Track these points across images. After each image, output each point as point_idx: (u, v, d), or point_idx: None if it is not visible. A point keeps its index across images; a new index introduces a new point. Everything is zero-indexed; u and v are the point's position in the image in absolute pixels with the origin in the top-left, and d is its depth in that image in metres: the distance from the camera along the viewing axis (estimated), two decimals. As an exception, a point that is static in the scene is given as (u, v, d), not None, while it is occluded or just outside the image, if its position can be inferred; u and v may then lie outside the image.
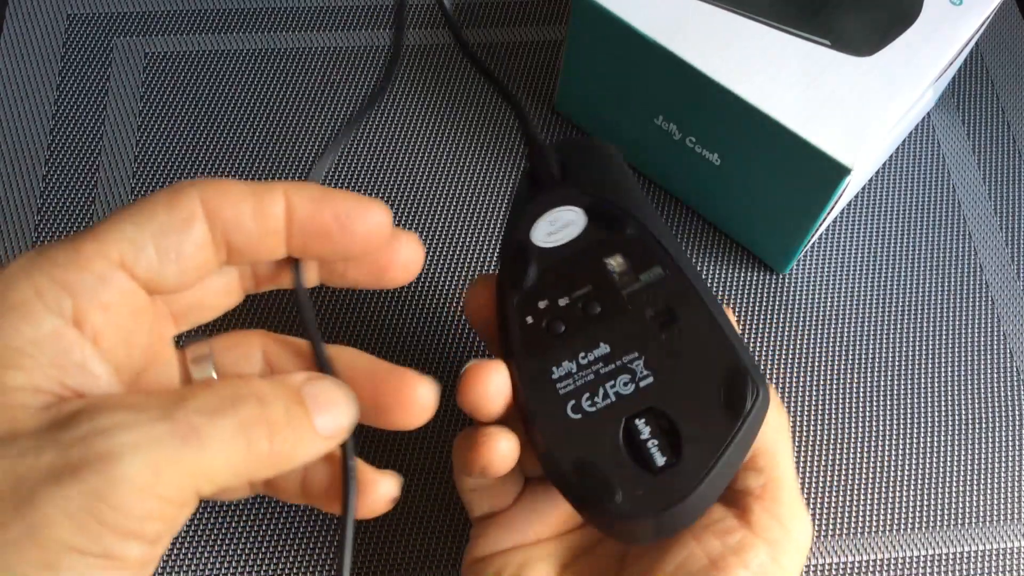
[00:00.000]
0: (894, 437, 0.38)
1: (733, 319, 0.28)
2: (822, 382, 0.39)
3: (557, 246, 0.27)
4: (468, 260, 0.41)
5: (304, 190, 0.23)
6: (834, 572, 0.35)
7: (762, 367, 0.39)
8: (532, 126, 0.28)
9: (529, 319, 0.26)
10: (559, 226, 0.27)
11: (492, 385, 0.25)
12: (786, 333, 0.40)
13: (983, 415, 0.39)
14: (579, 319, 0.26)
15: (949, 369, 0.40)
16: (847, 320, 0.40)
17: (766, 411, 0.25)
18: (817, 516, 0.36)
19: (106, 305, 0.20)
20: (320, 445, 0.21)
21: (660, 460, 0.24)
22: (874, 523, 0.36)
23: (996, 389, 0.39)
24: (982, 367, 0.40)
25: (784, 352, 0.39)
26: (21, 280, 0.19)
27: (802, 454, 0.37)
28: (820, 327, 0.40)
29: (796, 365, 0.39)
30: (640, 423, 0.25)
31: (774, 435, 0.26)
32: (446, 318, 0.39)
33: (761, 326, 0.40)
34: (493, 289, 0.27)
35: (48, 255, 0.20)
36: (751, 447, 0.25)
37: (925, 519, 0.37)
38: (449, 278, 0.40)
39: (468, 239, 0.41)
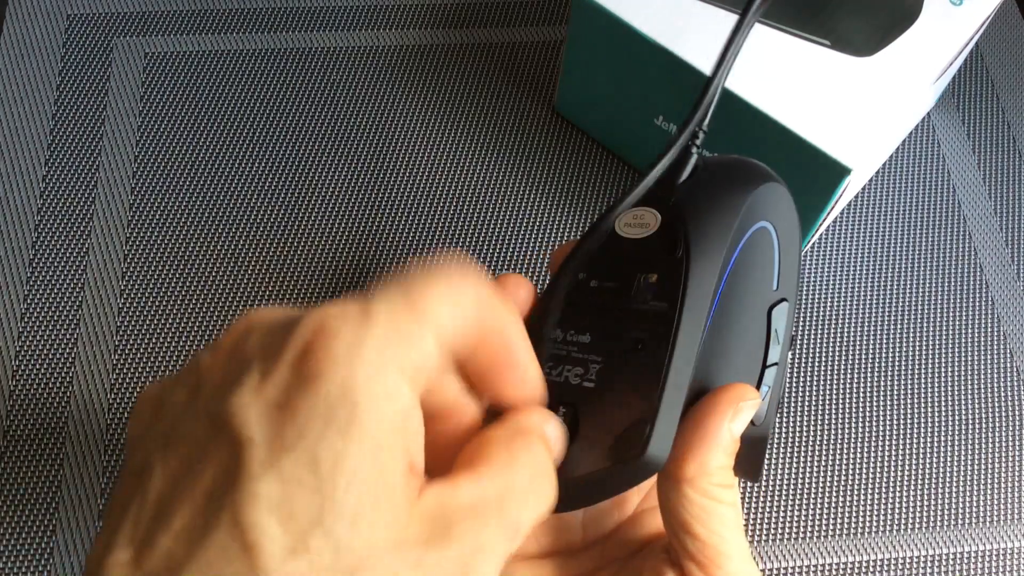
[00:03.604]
0: (894, 437, 0.38)
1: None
2: (823, 382, 0.39)
3: (625, 237, 0.28)
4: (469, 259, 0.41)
5: (513, 328, 0.23)
6: (835, 572, 0.35)
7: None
8: (692, 127, 0.28)
9: (569, 280, 0.28)
10: (637, 222, 0.28)
11: (520, 294, 0.27)
12: (786, 333, 0.40)
13: (983, 415, 0.39)
14: (592, 304, 0.27)
15: (949, 369, 0.40)
16: (847, 320, 0.40)
17: (647, 474, 0.25)
18: (819, 516, 0.36)
19: (430, 386, 0.21)
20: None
21: None
22: (875, 523, 0.36)
23: (996, 389, 0.39)
24: (982, 367, 0.40)
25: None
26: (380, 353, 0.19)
27: (803, 454, 0.37)
28: (820, 327, 0.40)
29: (797, 365, 0.39)
30: (562, 410, 0.26)
31: (716, 507, 0.25)
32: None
33: (761, 326, 0.40)
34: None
35: (384, 336, 0.19)
36: (623, 491, 0.26)
37: (926, 519, 0.37)
38: (449, 278, 0.40)
39: (469, 238, 0.41)
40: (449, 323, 0.20)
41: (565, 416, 0.26)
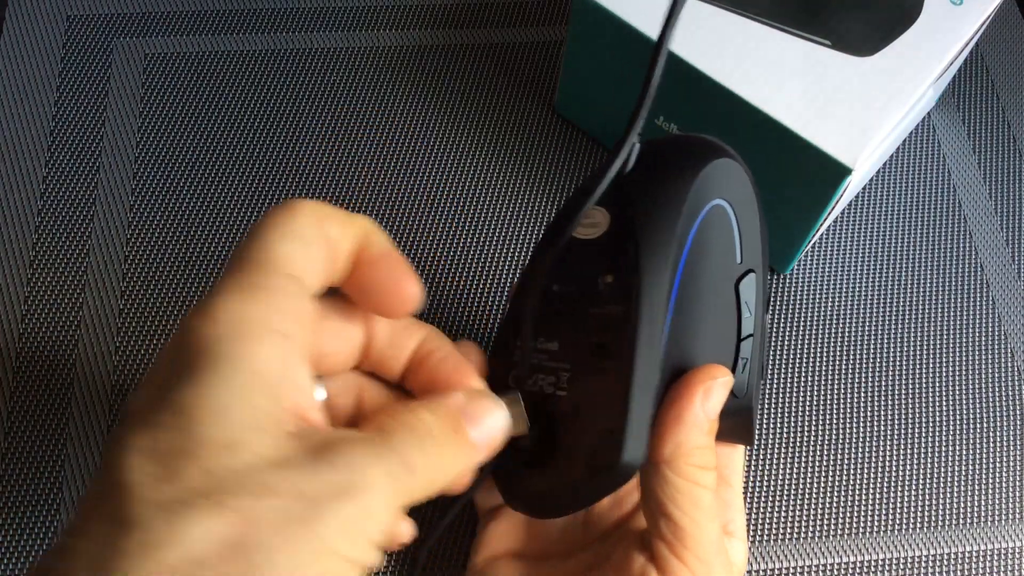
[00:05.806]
0: (900, 437, 0.38)
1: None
2: (827, 382, 0.39)
3: (580, 239, 0.27)
4: (470, 260, 0.41)
5: (379, 236, 0.24)
6: (843, 572, 0.35)
7: (767, 367, 0.39)
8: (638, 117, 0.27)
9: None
10: (589, 222, 0.27)
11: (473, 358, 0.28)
12: (789, 334, 0.40)
13: (986, 415, 0.39)
14: (557, 310, 0.27)
15: (951, 369, 0.40)
16: (849, 320, 0.40)
17: (625, 479, 0.25)
18: (825, 516, 0.36)
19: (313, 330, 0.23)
20: (475, 455, 0.24)
21: (517, 460, 0.26)
22: (881, 523, 0.36)
23: (998, 389, 0.39)
24: (984, 367, 0.40)
25: (788, 353, 0.39)
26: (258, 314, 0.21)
27: (809, 455, 0.37)
28: (822, 327, 0.40)
29: (801, 366, 0.39)
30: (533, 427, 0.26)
31: (693, 490, 0.26)
32: (449, 316, 0.39)
33: (762, 326, 0.40)
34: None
35: (258, 288, 0.21)
36: (602, 498, 0.26)
37: (931, 519, 0.37)
38: (452, 278, 0.40)
39: (469, 238, 0.41)
40: (304, 265, 0.22)
41: (537, 431, 0.26)
